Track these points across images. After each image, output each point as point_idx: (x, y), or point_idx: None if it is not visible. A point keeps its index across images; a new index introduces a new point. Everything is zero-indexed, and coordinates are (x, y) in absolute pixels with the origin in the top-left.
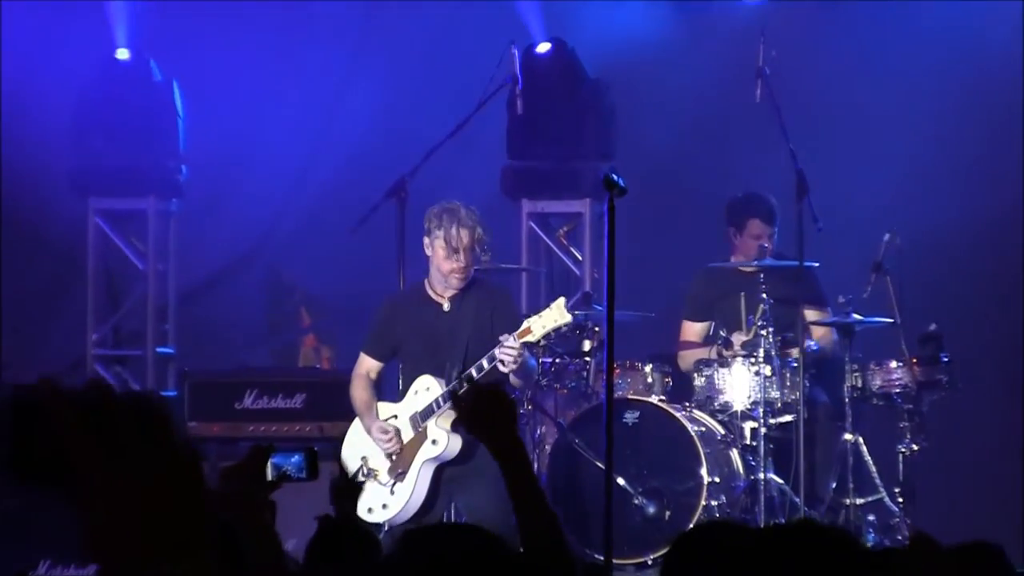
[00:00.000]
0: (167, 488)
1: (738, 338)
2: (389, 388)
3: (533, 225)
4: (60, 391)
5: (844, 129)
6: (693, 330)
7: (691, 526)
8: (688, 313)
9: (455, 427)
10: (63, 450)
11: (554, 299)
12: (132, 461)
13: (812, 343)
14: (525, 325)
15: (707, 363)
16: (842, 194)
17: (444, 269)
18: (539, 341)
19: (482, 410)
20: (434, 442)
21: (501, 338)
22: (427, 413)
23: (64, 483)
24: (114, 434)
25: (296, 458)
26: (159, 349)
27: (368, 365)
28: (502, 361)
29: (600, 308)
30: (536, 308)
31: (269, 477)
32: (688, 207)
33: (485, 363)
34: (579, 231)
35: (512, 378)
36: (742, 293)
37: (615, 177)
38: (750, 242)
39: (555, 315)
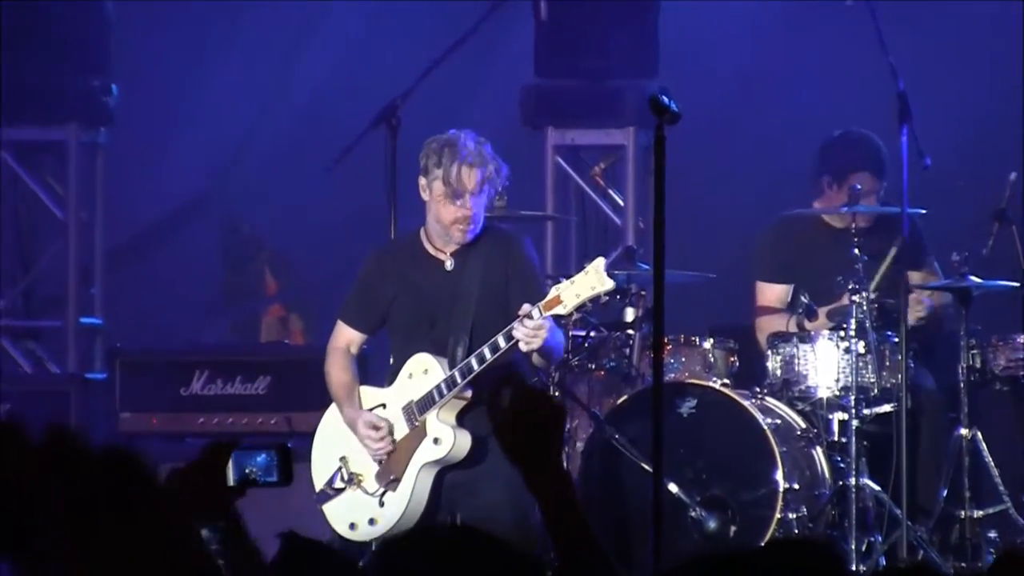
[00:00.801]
0: (148, 565)
1: (822, 308)
2: (378, 367)
3: (561, 161)
4: (18, 436)
5: (957, 40)
6: (772, 293)
7: (763, 543)
8: (761, 272)
9: (461, 420)
10: (19, 511)
11: (590, 259)
12: (106, 530)
13: (927, 300)
14: (554, 293)
15: (784, 338)
16: (955, 122)
17: (445, 218)
18: (571, 313)
19: (522, 425)
20: (436, 441)
21: (522, 310)
22: (426, 403)
23: (19, 551)
24: (84, 496)
25: (263, 457)
26: (83, 320)
27: (348, 337)
28: (523, 340)
29: (647, 267)
30: (565, 268)
31: (231, 481)
32: (758, 139)
33: (501, 341)
34: (620, 168)
35: (535, 357)
36: (829, 250)
37: (665, 99)
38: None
39: (592, 281)
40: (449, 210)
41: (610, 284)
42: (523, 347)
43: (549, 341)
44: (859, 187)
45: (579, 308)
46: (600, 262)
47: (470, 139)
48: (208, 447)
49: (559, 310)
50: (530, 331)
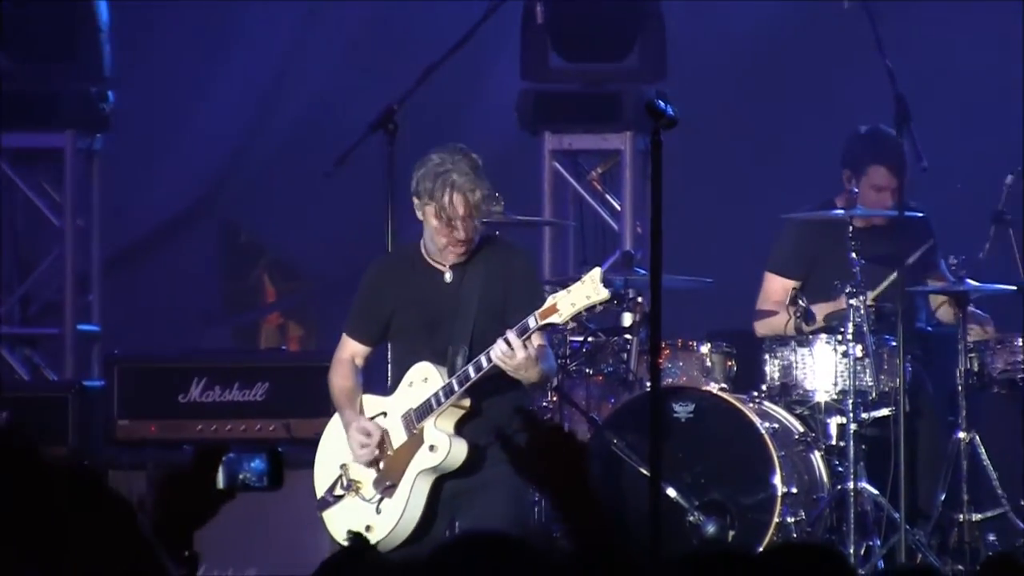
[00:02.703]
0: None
1: (821, 309)
2: (379, 376)
3: (558, 166)
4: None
5: (956, 42)
6: (781, 287)
7: (761, 548)
8: (775, 264)
9: (461, 430)
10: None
11: (587, 269)
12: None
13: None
14: (550, 302)
15: (782, 342)
16: (953, 124)
17: (439, 242)
18: (566, 322)
19: (542, 459)
20: (432, 448)
21: (509, 333)
22: (424, 411)
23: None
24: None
25: (256, 462)
26: (80, 327)
27: (352, 349)
28: (495, 360)
29: (644, 272)
30: (562, 273)
31: (220, 485)
32: (758, 144)
33: (484, 361)
34: (617, 173)
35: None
36: (846, 249)
37: (661, 103)
38: (868, 193)
39: (588, 290)
40: (441, 235)
41: (605, 294)
42: (500, 365)
43: (531, 367)
44: (856, 191)
45: (575, 317)
46: (597, 272)
47: (460, 159)
48: (196, 452)
49: (554, 319)
50: (504, 355)
